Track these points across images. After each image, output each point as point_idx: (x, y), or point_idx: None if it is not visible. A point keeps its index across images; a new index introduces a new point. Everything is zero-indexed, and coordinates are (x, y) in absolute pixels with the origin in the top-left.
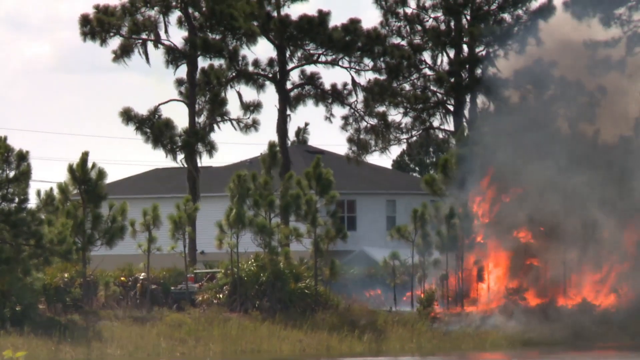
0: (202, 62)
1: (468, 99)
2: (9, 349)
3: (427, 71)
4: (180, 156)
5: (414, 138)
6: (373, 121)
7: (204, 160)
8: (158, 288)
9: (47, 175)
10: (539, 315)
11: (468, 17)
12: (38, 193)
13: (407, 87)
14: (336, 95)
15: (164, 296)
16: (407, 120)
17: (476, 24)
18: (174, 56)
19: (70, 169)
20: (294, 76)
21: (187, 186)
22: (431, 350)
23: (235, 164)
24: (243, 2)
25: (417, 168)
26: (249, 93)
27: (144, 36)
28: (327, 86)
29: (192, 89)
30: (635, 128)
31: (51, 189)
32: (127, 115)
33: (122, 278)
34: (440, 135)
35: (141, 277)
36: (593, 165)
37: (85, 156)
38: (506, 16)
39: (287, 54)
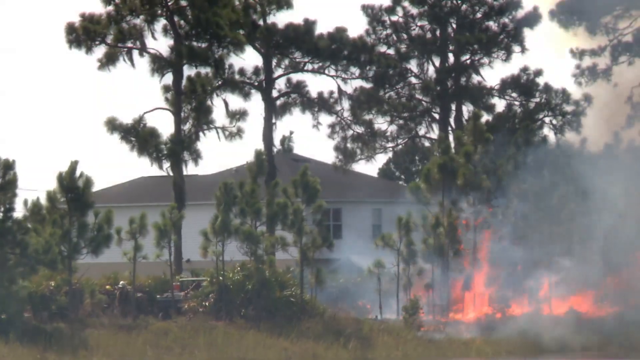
0: (188, 71)
1: (454, 107)
2: None
3: (413, 79)
4: (166, 164)
5: (400, 146)
6: (360, 129)
7: (190, 169)
8: (144, 296)
9: (33, 183)
10: (525, 323)
11: (454, 26)
12: (25, 202)
13: (393, 95)
14: (322, 104)
15: (150, 304)
16: (393, 128)
17: (462, 32)
18: (159, 64)
19: (59, 178)
20: (280, 84)
21: (173, 194)
22: (417, 358)
23: (221, 172)
24: (229, 10)
25: (402, 176)
26: (234, 101)
27: (129, 44)
28: (314, 94)
29: (177, 97)
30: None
31: (38, 198)
32: (112, 125)
33: (108, 287)
34: (426, 144)
35: (119, 286)
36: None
37: (74, 165)
38: (492, 24)
39: (273, 62)
